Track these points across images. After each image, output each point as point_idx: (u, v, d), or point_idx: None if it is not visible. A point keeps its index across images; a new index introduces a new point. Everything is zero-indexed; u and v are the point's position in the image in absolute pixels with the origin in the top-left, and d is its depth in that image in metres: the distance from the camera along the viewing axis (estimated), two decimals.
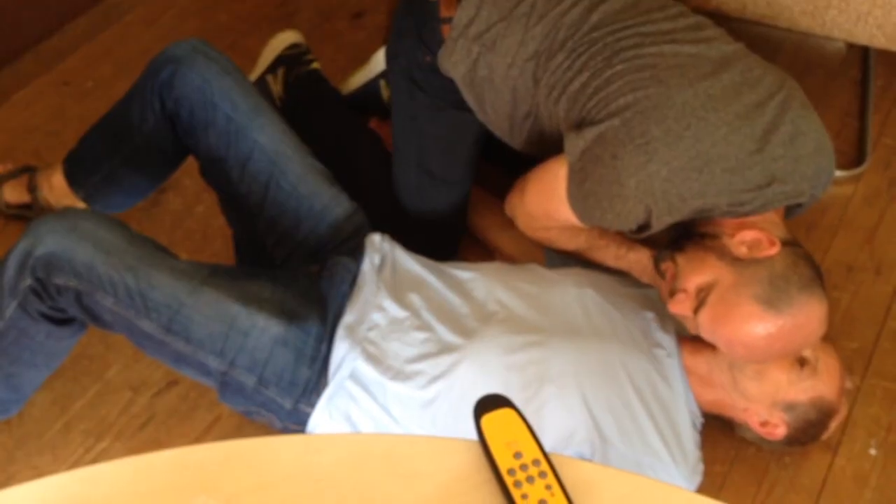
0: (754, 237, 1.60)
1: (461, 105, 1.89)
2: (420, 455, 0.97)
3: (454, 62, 1.82)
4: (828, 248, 2.20)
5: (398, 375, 1.62)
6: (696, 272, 1.61)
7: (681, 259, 1.65)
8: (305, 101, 2.24)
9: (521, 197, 1.85)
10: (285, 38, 2.33)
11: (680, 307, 1.63)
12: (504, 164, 2.22)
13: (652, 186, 1.57)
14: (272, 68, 2.29)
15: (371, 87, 2.29)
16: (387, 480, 0.94)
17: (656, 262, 1.71)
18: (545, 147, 1.79)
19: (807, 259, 1.63)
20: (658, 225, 1.62)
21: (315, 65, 2.32)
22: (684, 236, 1.67)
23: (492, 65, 1.77)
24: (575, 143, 1.64)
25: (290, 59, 2.30)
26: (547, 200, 1.77)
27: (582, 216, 1.69)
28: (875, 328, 2.05)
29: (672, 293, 1.65)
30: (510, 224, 1.93)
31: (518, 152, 2.11)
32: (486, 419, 0.95)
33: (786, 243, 1.61)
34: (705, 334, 1.63)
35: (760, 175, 1.59)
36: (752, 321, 1.55)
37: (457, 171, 2.00)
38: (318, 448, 0.98)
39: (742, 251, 1.60)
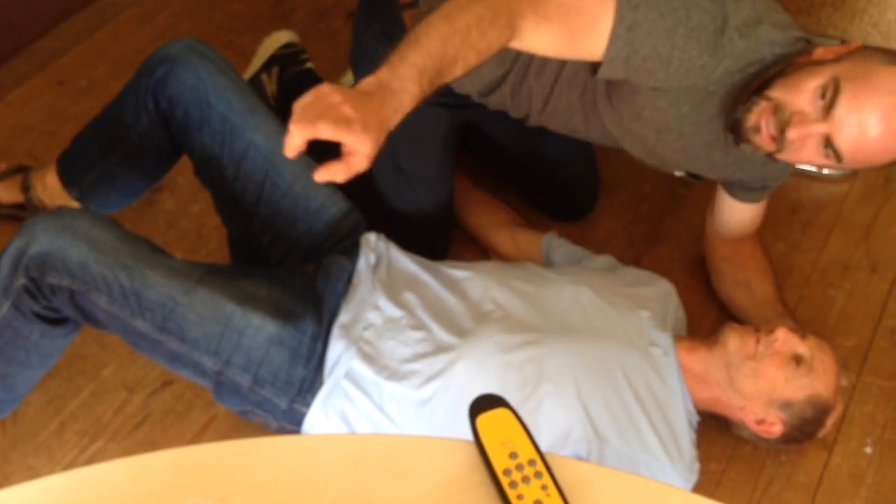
0: (834, 49, 1.56)
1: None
2: (415, 455, 0.97)
3: None
4: (823, 245, 2.20)
5: (394, 375, 1.62)
6: (810, 80, 1.52)
7: (776, 91, 1.55)
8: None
9: None
10: (280, 38, 2.33)
11: (804, 127, 1.51)
12: (493, 164, 2.22)
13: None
14: (266, 67, 2.29)
15: None
16: (382, 481, 0.94)
17: (739, 122, 1.58)
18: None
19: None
20: (721, 55, 1.55)
21: (309, 64, 2.32)
22: (761, 84, 1.58)
23: None
24: None
25: (284, 59, 2.30)
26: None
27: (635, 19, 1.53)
28: (871, 326, 2.05)
29: (781, 131, 1.54)
30: (505, 223, 1.92)
31: (508, 152, 2.11)
32: (482, 419, 0.95)
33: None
34: (850, 126, 1.50)
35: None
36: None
37: (430, 167, 1.99)
38: (313, 448, 0.98)
39: (831, 55, 1.56)
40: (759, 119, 1.57)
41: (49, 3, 2.56)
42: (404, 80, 1.37)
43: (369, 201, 1.92)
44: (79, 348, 1.89)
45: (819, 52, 1.58)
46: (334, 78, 2.35)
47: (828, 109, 1.51)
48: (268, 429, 1.68)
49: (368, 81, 1.37)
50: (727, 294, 2.03)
